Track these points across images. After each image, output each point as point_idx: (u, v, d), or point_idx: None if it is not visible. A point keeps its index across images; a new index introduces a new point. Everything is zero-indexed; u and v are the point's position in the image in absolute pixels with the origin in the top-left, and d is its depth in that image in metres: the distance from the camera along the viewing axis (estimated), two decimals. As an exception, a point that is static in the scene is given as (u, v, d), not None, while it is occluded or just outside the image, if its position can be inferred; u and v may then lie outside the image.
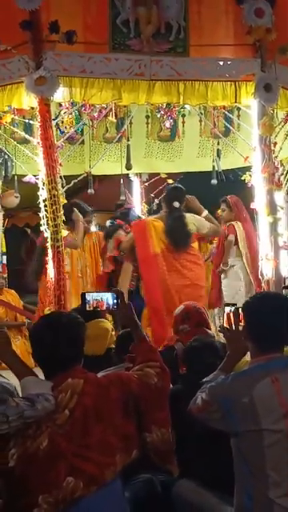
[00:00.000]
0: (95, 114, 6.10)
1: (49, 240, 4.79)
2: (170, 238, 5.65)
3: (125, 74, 4.84)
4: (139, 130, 6.87)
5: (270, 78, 5.00)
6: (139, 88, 4.91)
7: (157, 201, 7.85)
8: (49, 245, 4.80)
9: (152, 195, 8.01)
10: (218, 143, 6.85)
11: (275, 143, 5.21)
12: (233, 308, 2.92)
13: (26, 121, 5.67)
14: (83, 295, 3.20)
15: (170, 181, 7.64)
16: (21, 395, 2.58)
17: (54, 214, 4.74)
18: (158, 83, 4.92)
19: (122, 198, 6.98)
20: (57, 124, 5.55)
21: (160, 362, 2.86)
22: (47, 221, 4.76)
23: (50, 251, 4.79)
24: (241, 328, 2.79)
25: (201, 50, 5.03)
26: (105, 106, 5.55)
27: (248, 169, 5.38)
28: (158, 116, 6.78)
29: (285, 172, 5.62)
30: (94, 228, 7.48)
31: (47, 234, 4.80)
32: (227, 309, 3.05)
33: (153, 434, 2.68)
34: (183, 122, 6.72)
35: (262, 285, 5.17)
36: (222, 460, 2.67)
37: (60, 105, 5.79)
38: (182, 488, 2.96)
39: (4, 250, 7.80)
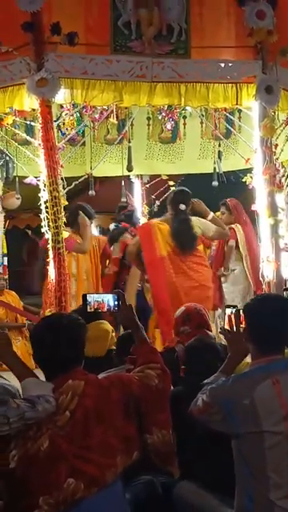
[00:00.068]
0: (96, 116, 6.09)
1: (50, 241, 4.80)
2: (177, 240, 5.63)
3: (126, 75, 4.84)
4: (140, 132, 6.85)
5: (271, 79, 5.00)
6: (140, 90, 4.92)
7: (158, 202, 7.87)
8: (50, 246, 4.80)
9: (153, 197, 8.01)
10: (219, 145, 6.84)
11: (276, 145, 5.22)
12: (234, 310, 2.92)
13: (28, 122, 5.68)
14: (84, 296, 3.21)
15: (171, 182, 7.64)
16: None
17: (55, 216, 4.74)
18: (160, 85, 4.93)
19: (123, 199, 6.98)
20: (58, 126, 5.57)
21: (161, 363, 2.86)
22: (48, 222, 4.77)
23: (50, 252, 4.80)
24: (242, 330, 2.80)
25: (202, 51, 5.03)
26: (106, 107, 5.56)
27: (249, 171, 5.39)
28: (159, 118, 6.77)
29: (286, 174, 5.61)
30: (94, 230, 7.48)
31: (48, 236, 4.80)
32: (228, 310, 3.05)
33: (154, 435, 2.67)
34: (184, 124, 6.71)
35: (263, 287, 5.17)
36: (223, 462, 2.67)
37: (61, 106, 5.80)
38: (182, 490, 2.96)
39: (5, 251, 7.79)
